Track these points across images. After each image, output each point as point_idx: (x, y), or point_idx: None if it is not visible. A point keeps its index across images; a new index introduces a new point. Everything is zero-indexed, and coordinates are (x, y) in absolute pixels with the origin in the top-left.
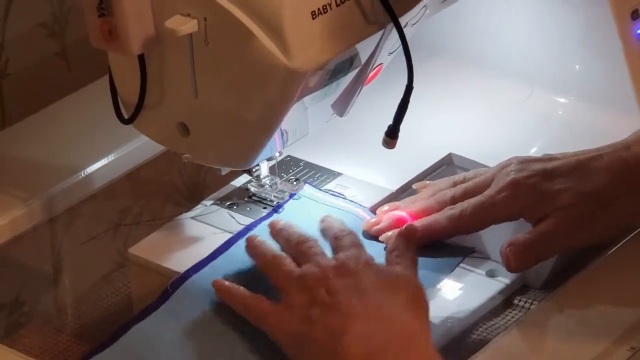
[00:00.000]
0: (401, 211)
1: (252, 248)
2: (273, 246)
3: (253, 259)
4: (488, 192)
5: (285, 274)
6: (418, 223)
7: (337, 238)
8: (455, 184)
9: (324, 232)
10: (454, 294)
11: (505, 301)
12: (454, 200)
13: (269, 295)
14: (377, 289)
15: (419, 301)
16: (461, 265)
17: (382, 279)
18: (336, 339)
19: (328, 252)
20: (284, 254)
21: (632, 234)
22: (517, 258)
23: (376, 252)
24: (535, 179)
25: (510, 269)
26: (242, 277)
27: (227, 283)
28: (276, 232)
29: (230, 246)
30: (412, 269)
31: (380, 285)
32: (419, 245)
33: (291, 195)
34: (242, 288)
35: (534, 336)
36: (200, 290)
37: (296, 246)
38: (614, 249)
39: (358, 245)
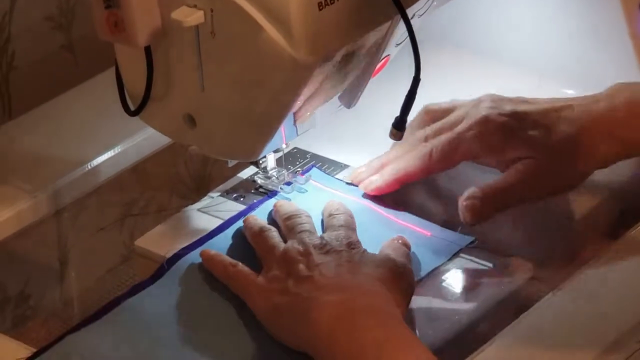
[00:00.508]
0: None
1: (245, 222)
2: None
3: (245, 233)
4: (458, 129)
5: (269, 248)
6: (391, 167)
7: (331, 216)
8: (428, 114)
9: (324, 211)
10: (461, 286)
11: (512, 294)
12: (427, 140)
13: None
14: (356, 265)
15: (399, 280)
16: (468, 257)
17: (363, 259)
18: (309, 307)
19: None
20: (272, 228)
21: (615, 244)
22: (474, 214)
23: (376, 235)
24: (506, 119)
25: (466, 223)
26: (238, 255)
27: (212, 252)
28: (276, 209)
29: (228, 227)
30: (403, 258)
31: (360, 263)
32: (395, 189)
33: (288, 183)
34: (224, 255)
35: (540, 328)
36: (194, 268)
37: (286, 220)
38: (623, 238)
39: (348, 227)
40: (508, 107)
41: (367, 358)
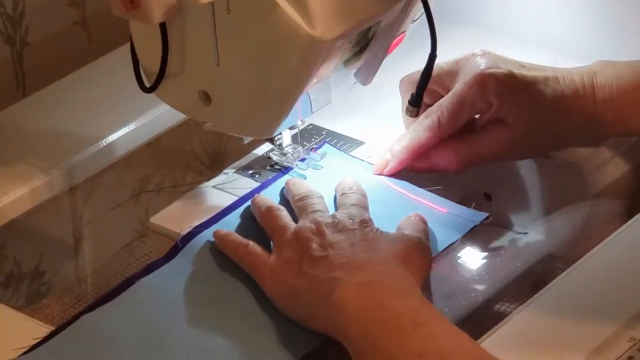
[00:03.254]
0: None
1: (253, 202)
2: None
3: (253, 212)
4: (458, 90)
5: (279, 228)
6: (401, 145)
7: (343, 194)
8: (406, 85)
9: (337, 188)
10: (477, 263)
11: (528, 270)
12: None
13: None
14: (370, 243)
15: (415, 256)
16: (483, 234)
17: (377, 236)
18: (331, 288)
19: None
20: (280, 207)
21: (629, 222)
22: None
23: (392, 212)
24: (503, 75)
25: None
26: (252, 232)
27: (223, 231)
28: (287, 188)
29: (242, 204)
30: (420, 234)
31: (374, 241)
32: (408, 166)
33: (303, 160)
34: (235, 235)
35: (557, 306)
36: (208, 246)
37: (298, 201)
38: (612, 237)
39: (361, 205)
40: (506, 66)
41: (409, 337)
